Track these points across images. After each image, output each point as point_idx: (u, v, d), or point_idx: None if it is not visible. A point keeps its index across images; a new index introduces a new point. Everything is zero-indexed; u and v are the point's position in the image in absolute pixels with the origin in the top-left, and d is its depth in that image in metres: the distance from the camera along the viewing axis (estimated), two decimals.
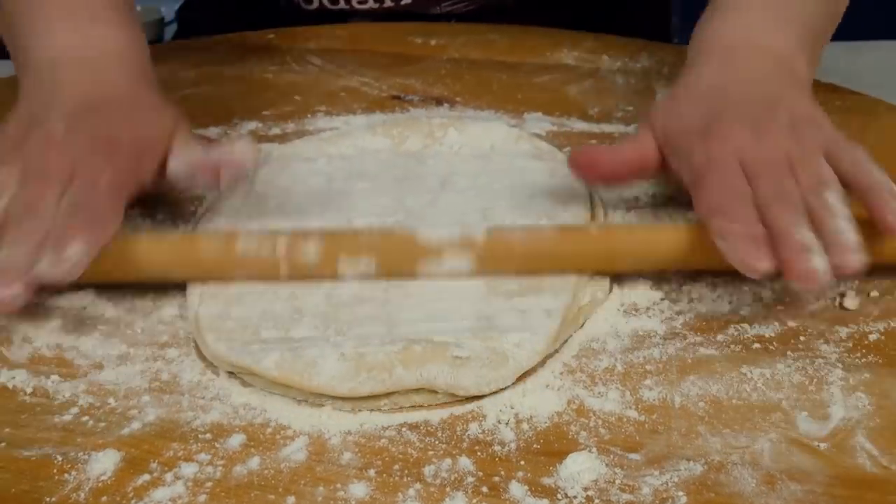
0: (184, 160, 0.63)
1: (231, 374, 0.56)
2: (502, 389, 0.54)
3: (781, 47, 0.68)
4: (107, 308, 0.61)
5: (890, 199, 0.56)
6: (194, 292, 0.60)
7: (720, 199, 0.57)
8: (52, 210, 0.56)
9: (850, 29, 0.87)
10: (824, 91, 0.72)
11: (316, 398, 0.54)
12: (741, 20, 0.71)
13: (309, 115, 0.85)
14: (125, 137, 0.62)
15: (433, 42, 0.98)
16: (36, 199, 0.57)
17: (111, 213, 0.58)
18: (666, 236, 0.61)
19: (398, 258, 0.61)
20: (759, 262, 0.53)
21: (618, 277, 0.63)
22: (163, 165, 0.63)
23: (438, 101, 0.87)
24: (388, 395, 0.54)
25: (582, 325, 0.60)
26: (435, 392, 0.54)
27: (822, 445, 0.50)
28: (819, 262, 0.53)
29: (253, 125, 0.83)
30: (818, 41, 0.72)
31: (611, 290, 0.62)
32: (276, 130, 0.82)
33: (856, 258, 0.54)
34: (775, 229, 0.54)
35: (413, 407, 0.54)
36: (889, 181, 0.57)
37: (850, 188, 0.58)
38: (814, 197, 0.56)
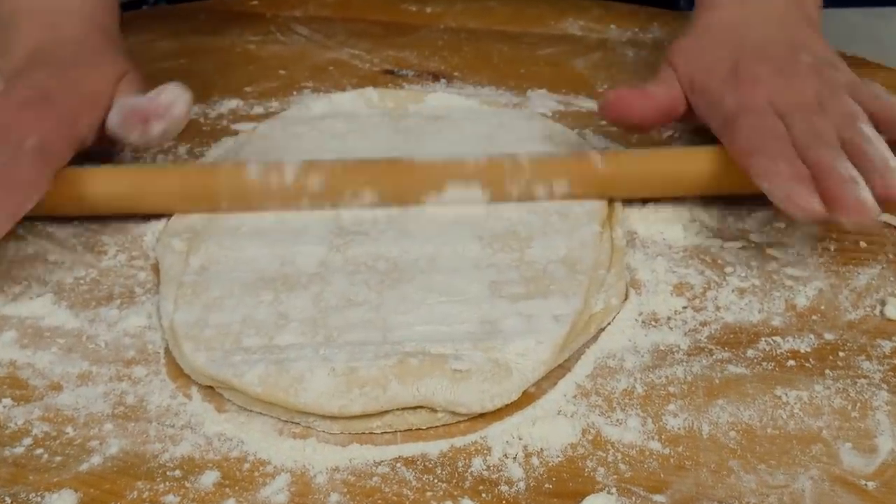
0: (116, 111, 0.61)
1: (206, 396, 0.51)
2: (508, 415, 0.49)
3: None
4: (67, 318, 0.55)
5: None
6: (168, 297, 0.55)
7: (758, 141, 0.56)
8: None
9: None
10: (854, 66, 0.66)
11: (302, 417, 0.49)
12: None
13: (294, 93, 0.78)
14: (62, 96, 0.60)
15: (428, 10, 0.92)
16: None
17: (33, 180, 0.55)
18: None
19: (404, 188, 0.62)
20: (810, 203, 0.52)
21: (635, 283, 0.57)
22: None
23: (435, 77, 0.80)
24: (381, 414, 0.49)
25: (596, 337, 0.54)
26: (433, 411, 0.49)
27: (870, 484, 0.45)
28: (866, 194, 0.52)
29: (234, 103, 0.77)
30: None
31: (627, 297, 0.56)
32: (258, 109, 0.76)
33: None
34: (818, 166, 0.53)
35: (409, 432, 0.49)
36: None
37: (875, 122, 0.58)
38: (850, 131, 0.56)
